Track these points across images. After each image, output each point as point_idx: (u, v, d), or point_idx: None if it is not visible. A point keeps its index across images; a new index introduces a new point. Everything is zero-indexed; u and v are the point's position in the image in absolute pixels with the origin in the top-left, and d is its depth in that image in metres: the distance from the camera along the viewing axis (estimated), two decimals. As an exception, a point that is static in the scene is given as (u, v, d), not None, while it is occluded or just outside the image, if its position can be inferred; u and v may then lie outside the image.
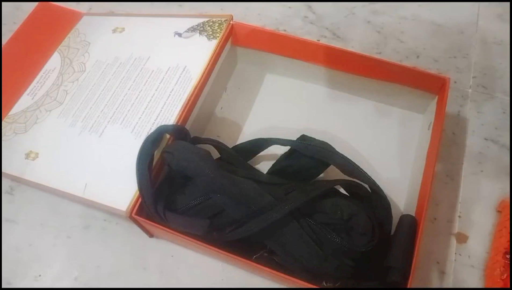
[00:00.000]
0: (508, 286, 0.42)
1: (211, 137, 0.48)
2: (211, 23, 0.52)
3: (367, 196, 0.42)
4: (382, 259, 0.39)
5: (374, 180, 0.42)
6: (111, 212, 0.43)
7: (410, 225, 0.40)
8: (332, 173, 0.45)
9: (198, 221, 0.39)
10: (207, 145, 0.46)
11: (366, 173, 0.42)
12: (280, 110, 0.54)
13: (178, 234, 0.39)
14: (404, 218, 0.41)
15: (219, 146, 0.46)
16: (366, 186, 0.42)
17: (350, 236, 0.38)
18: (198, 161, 0.39)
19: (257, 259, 0.40)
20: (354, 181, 0.43)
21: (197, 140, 0.46)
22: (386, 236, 0.40)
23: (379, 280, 0.39)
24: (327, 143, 0.45)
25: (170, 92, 0.47)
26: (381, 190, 0.42)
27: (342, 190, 0.44)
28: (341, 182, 0.43)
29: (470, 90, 0.57)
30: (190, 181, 0.41)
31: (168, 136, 0.44)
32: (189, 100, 0.46)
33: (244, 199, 0.38)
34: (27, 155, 0.47)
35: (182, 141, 0.43)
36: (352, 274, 0.38)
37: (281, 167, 0.45)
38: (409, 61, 0.59)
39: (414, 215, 0.42)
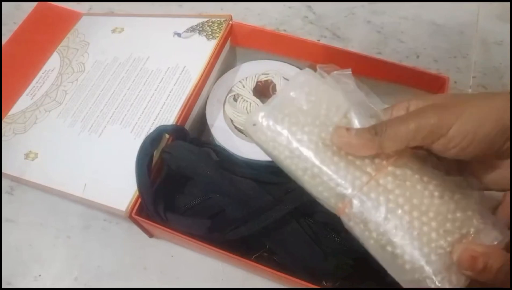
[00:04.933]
0: (508, 286, 0.42)
1: (209, 141, 0.49)
2: (210, 23, 0.52)
3: None
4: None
5: None
6: (110, 212, 0.43)
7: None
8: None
9: (199, 221, 0.39)
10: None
11: None
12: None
13: (178, 234, 0.39)
14: None
15: (217, 149, 0.46)
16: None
17: (350, 235, 0.38)
18: (197, 161, 0.39)
19: (257, 259, 0.40)
20: None
21: (196, 143, 0.46)
22: None
23: (379, 279, 0.38)
24: None
25: (170, 92, 0.47)
26: None
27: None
28: None
29: (470, 90, 0.57)
30: (190, 181, 0.41)
31: (167, 136, 0.44)
32: (188, 100, 0.46)
33: (243, 198, 0.38)
34: (27, 155, 0.47)
35: (181, 141, 0.42)
36: (351, 274, 0.38)
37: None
38: (409, 61, 0.58)
39: None
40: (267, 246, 0.40)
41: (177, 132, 0.44)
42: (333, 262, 0.37)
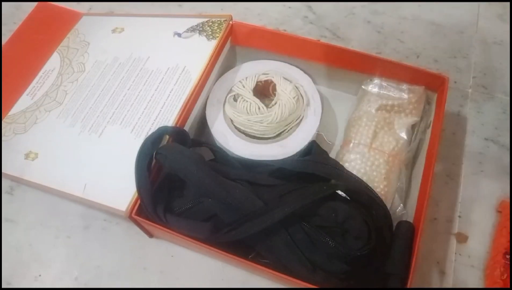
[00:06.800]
0: (508, 286, 0.42)
1: (209, 141, 0.49)
2: (211, 23, 0.52)
3: (367, 202, 0.41)
4: (381, 265, 0.38)
5: (373, 190, 0.42)
6: (110, 212, 0.43)
7: (408, 230, 0.40)
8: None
9: (201, 224, 0.39)
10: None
11: (367, 185, 0.42)
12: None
13: (178, 234, 0.39)
14: (402, 224, 0.41)
15: (215, 150, 0.46)
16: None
17: (345, 240, 0.37)
18: (189, 165, 0.39)
19: (253, 259, 0.40)
20: (353, 187, 0.42)
21: (196, 143, 0.46)
22: (385, 242, 0.40)
23: (380, 285, 0.38)
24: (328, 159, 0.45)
25: (170, 92, 0.47)
26: (381, 200, 0.41)
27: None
28: (339, 187, 0.42)
29: (470, 90, 0.57)
30: (186, 183, 0.41)
31: (168, 137, 0.44)
32: (188, 100, 0.46)
33: (234, 204, 0.38)
34: (27, 156, 0.47)
35: (176, 144, 0.42)
36: (351, 275, 0.38)
37: (279, 167, 0.45)
38: (409, 61, 0.58)
39: (410, 221, 0.42)
40: (258, 251, 0.40)
41: (178, 134, 0.44)
42: (322, 274, 0.37)
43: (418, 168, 0.47)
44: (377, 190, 0.43)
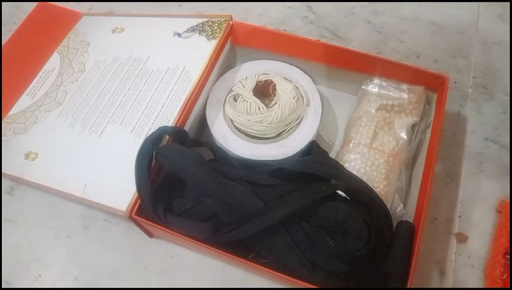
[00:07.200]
0: (508, 286, 0.42)
1: (209, 141, 0.49)
2: (211, 23, 0.52)
3: (367, 202, 0.41)
4: (381, 265, 0.38)
5: (373, 190, 0.42)
6: (110, 212, 0.43)
7: (408, 230, 0.40)
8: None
9: (201, 224, 0.39)
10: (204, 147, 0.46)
11: (368, 185, 0.42)
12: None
13: (178, 234, 0.39)
14: (402, 224, 0.41)
15: (215, 149, 0.46)
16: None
17: (345, 240, 0.37)
18: (189, 165, 0.39)
19: (253, 259, 0.40)
20: (353, 187, 0.42)
21: (196, 143, 0.46)
22: (385, 242, 0.40)
23: (380, 285, 0.38)
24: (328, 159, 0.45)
25: (170, 92, 0.47)
26: (381, 200, 0.41)
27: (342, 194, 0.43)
28: (339, 187, 0.42)
29: (470, 90, 0.57)
30: (186, 183, 0.41)
31: (168, 137, 0.44)
32: (188, 100, 0.46)
33: (233, 204, 0.38)
34: (27, 156, 0.47)
35: (176, 144, 0.42)
36: (351, 276, 0.38)
37: (279, 167, 0.45)
38: (409, 61, 0.58)
39: (410, 221, 0.42)
40: (258, 251, 0.40)
41: (178, 134, 0.44)
42: (322, 274, 0.37)
43: (418, 168, 0.47)
44: (377, 190, 0.44)
